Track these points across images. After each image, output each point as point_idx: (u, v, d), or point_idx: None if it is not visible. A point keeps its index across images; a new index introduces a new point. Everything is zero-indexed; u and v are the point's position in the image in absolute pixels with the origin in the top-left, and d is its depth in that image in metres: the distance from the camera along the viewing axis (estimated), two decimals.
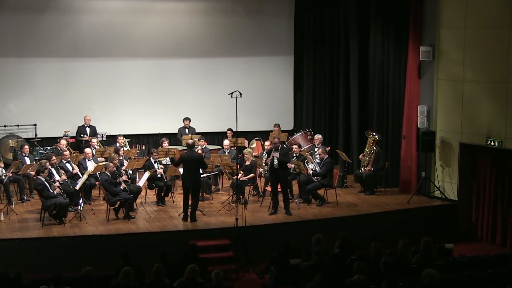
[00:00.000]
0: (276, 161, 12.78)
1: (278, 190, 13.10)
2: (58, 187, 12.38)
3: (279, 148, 12.92)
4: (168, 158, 14.45)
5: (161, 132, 16.65)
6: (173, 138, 16.60)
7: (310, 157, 14.14)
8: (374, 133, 14.79)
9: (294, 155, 14.24)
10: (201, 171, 12.92)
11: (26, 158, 14.16)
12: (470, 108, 13.66)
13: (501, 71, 13.00)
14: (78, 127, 15.87)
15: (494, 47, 13.14)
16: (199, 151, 14.11)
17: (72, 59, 16.27)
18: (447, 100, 14.13)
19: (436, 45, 14.14)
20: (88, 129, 15.82)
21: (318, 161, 13.99)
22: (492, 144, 13.17)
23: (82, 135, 15.65)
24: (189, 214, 12.54)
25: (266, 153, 14.38)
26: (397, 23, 15.08)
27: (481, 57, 13.39)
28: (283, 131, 16.82)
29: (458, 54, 13.79)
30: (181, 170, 13.38)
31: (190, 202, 12.57)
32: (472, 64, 13.58)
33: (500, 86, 13.07)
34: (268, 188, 13.86)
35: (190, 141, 12.86)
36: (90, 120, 15.90)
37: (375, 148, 14.63)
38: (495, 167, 13.41)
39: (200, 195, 13.83)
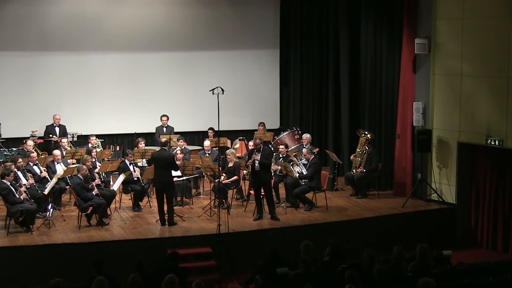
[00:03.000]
0: (257, 163, 12.76)
1: (262, 194, 13.07)
2: (25, 191, 12.26)
3: (261, 149, 12.91)
4: (144, 160, 14.40)
5: (136, 132, 16.59)
6: (150, 138, 16.54)
7: (295, 159, 14.11)
8: (366, 132, 14.81)
9: (281, 156, 14.22)
10: (174, 173, 12.91)
11: None
12: (469, 105, 13.71)
13: (502, 65, 13.06)
14: (47, 127, 15.77)
15: (493, 39, 13.19)
16: (178, 152, 14.07)
17: (39, 53, 16.17)
18: (444, 96, 14.18)
19: (432, 37, 14.19)
20: (57, 129, 15.73)
21: (304, 162, 13.98)
22: (493, 143, 13.23)
23: (50, 135, 15.54)
24: (166, 219, 12.53)
25: (246, 154, 14.38)
26: (390, 14, 15.10)
27: (480, 50, 13.44)
28: (269, 130, 16.83)
29: (456, 47, 13.84)
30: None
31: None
32: (470, 57, 13.63)
33: (500, 81, 13.13)
34: (253, 192, 13.83)
35: (163, 139, 12.89)
36: (59, 119, 15.80)
37: (367, 148, 14.65)
38: (496, 167, 13.46)
39: (179, 199, 13.85)
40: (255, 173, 12.90)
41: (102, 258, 9.54)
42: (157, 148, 15.23)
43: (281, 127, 17.77)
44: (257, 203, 13.08)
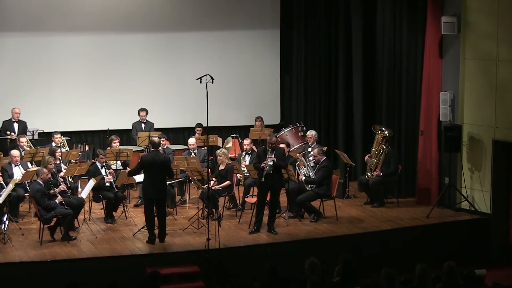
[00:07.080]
0: (270, 164, 12.66)
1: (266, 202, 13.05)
2: None
3: (275, 148, 12.87)
4: (119, 162, 14.41)
5: (109, 129, 16.59)
6: (126, 136, 16.59)
7: (302, 159, 14.14)
8: (383, 129, 14.83)
9: None
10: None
11: None
12: (506, 96, 13.73)
13: None
14: (3, 122, 15.77)
15: None
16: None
17: None
18: (476, 85, 14.20)
19: (462, 15, 14.20)
20: (16, 125, 15.74)
21: (312, 164, 13.98)
22: None
23: (8, 132, 15.53)
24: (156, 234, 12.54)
25: (249, 154, 14.34)
26: None
27: None
28: (267, 127, 16.85)
29: (490, 26, 13.85)
30: (137, 177, 13.33)
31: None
32: (508, 39, 13.65)
33: None
34: (248, 200, 13.83)
35: (155, 139, 12.88)
36: (19, 113, 15.83)
37: (384, 148, 14.67)
38: None
39: None
40: (266, 176, 12.78)
41: (68, 278, 9.51)
42: (134, 148, 15.34)
43: (282, 122, 17.79)
44: (258, 212, 13.01)
